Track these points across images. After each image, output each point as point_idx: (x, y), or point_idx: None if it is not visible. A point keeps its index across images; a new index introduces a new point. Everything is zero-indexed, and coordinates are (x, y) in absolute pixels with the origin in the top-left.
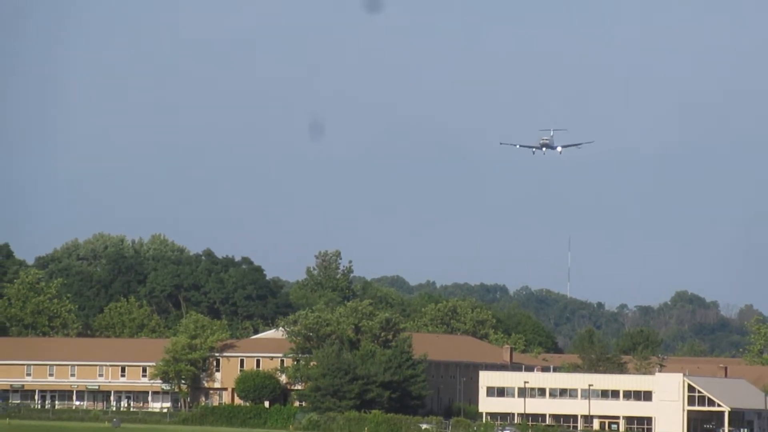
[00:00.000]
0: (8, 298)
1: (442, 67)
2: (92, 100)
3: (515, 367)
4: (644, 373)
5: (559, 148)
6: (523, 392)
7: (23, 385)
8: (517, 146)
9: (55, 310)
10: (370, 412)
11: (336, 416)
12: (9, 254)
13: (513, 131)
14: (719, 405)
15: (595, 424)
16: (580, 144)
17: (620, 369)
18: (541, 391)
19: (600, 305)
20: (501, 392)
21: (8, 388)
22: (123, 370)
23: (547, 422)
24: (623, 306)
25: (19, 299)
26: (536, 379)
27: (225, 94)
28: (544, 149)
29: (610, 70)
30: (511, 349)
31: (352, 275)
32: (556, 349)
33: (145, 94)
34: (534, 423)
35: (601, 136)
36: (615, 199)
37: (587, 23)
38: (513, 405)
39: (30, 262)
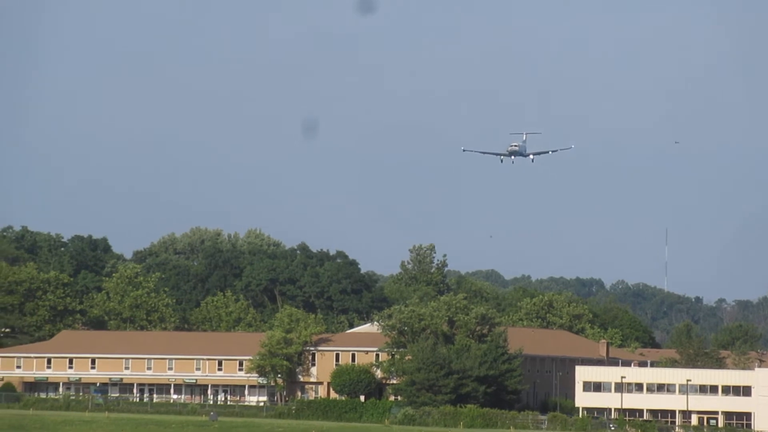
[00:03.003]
0: (107, 291)
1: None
2: (186, 98)
3: (612, 361)
4: (743, 368)
5: (531, 156)
6: (620, 387)
7: (122, 379)
8: (482, 153)
9: (152, 304)
10: (466, 407)
11: (431, 410)
12: (107, 248)
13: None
14: None
15: (694, 420)
16: (555, 150)
17: (719, 364)
18: (639, 386)
19: (698, 299)
20: (597, 387)
21: (107, 381)
22: (220, 363)
23: (645, 417)
24: (721, 300)
25: (117, 293)
26: (633, 373)
27: (327, 88)
28: (512, 157)
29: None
30: (608, 343)
31: (446, 269)
32: (653, 344)
33: (242, 94)
34: (631, 418)
35: (700, 134)
36: (712, 192)
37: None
38: (610, 400)
39: (128, 256)
